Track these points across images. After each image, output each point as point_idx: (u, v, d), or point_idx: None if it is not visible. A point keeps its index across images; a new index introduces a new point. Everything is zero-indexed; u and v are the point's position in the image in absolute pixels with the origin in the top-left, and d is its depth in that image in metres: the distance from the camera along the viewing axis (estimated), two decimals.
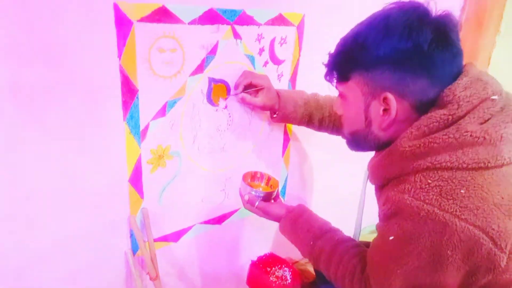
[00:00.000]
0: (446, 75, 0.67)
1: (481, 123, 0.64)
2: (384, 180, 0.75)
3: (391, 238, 0.68)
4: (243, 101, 1.05)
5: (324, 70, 0.78)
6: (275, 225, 1.41)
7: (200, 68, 0.96)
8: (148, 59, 0.86)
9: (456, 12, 1.78)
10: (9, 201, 0.78)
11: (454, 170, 0.63)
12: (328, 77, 0.78)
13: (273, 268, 1.29)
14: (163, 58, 0.88)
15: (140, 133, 0.91)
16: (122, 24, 0.80)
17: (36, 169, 0.79)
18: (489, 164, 0.62)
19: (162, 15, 0.85)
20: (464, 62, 0.71)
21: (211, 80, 1.00)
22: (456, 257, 0.61)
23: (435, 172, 0.64)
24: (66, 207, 0.86)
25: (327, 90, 1.10)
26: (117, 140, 0.88)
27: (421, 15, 0.65)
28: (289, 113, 1.06)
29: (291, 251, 1.46)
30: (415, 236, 0.64)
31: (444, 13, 0.67)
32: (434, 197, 0.62)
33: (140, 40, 0.83)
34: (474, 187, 0.61)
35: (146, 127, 0.92)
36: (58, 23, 0.73)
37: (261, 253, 1.39)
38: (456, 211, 0.60)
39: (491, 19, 1.85)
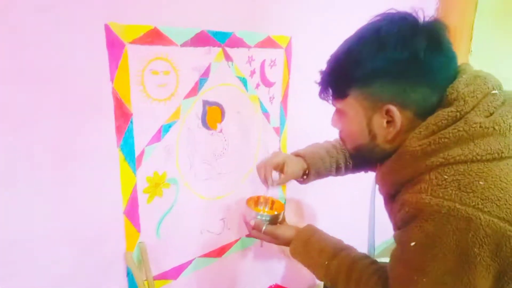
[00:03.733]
0: (445, 79, 0.67)
1: (487, 116, 0.63)
2: (397, 186, 0.72)
3: (412, 244, 0.64)
4: (277, 186, 0.97)
5: (317, 89, 0.76)
6: (276, 255, 1.36)
7: (194, 91, 0.94)
8: (141, 82, 0.83)
9: None
10: None
11: (468, 163, 0.61)
12: (322, 95, 0.76)
13: None
14: (157, 81, 0.86)
15: (135, 160, 0.86)
16: (114, 46, 0.77)
17: (20, 204, 0.72)
18: (502, 155, 0.61)
19: (154, 37, 0.83)
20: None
21: (205, 103, 0.98)
22: (484, 255, 0.58)
23: (450, 167, 0.62)
24: (55, 247, 0.78)
25: (320, 112, 1.10)
26: (111, 168, 0.83)
27: (411, 24, 0.66)
28: (319, 167, 1.00)
29: (295, 283, 1.39)
30: (438, 237, 0.60)
31: (432, 19, 0.67)
32: (453, 192, 0.60)
33: (133, 62, 0.81)
34: (492, 177, 0.59)
35: (141, 153, 0.87)
36: (47, 46, 0.69)
37: (265, 286, 1.31)
38: (478, 204, 0.58)
39: (462, 40, 1.94)
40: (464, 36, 1.93)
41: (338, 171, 1.03)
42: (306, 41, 1.20)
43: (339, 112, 0.77)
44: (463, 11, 1.89)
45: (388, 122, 0.69)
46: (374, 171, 0.93)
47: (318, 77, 0.76)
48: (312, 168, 0.98)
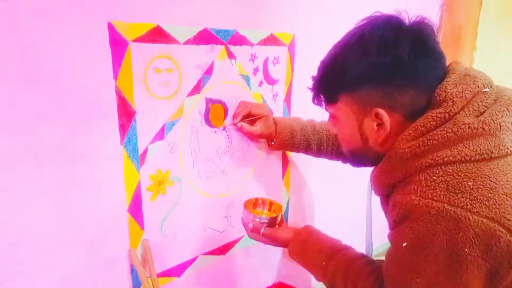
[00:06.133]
0: (432, 80, 0.67)
1: (477, 116, 0.63)
2: (389, 187, 0.72)
3: (404, 245, 0.65)
4: (241, 131, 1.03)
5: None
6: (280, 253, 1.36)
7: (197, 89, 0.94)
8: (144, 80, 0.83)
9: None
10: None
11: (457, 164, 0.61)
12: (315, 101, 0.78)
13: None
14: (160, 79, 0.86)
15: (138, 158, 0.86)
16: (117, 44, 0.78)
17: (24, 204, 0.73)
18: (492, 155, 0.60)
19: (157, 35, 0.83)
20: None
21: (208, 101, 0.98)
22: (475, 255, 0.58)
23: (439, 168, 0.62)
24: (59, 246, 0.79)
25: (322, 111, 1.10)
26: (115, 166, 0.83)
27: (394, 27, 0.65)
28: (286, 140, 1.04)
29: (298, 281, 1.39)
30: (429, 237, 0.60)
31: (418, 19, 0.67)
32: (442, 193, 0.60)
33: (136, 60, 0.81)
34: (481, 178, 0.59)
35: (145, 151, 0.88)
36: (50, 44, 0.70)
37: (269, 283, 1.31)
38: (466, 204, 0.58)
39: (467, 37, 1.93)
40: (469, 33, 1.92)
41: (308, 150, 1.08)
42: (309, 38, 1.20)
43: (332, 117, 0.79)
44: (468, 7, 1.88)
45: (378, 125, 0.70)
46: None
47: (310, 83, 0.77)
48: (278, 138, 1.04)
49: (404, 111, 0.68)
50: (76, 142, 0.77)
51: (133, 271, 0.92)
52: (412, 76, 0.65)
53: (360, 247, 0.90)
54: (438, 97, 0.65)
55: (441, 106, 0.64)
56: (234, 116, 1.02)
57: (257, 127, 1.01)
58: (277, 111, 1.18)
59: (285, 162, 1.27)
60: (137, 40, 0.80)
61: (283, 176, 1.28)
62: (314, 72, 0.76)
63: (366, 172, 0.81)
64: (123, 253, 0.90)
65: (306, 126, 1.06)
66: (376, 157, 0.75)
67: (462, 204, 0.58)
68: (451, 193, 0.59)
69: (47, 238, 0.77)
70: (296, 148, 1.07)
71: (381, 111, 0.67)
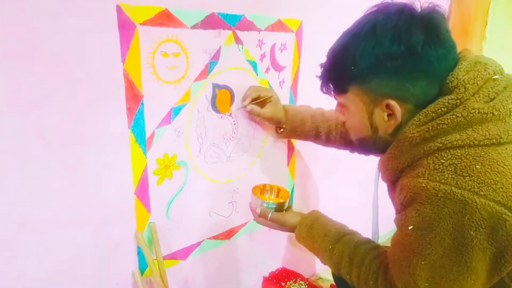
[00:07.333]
0: (443, 71, 0.66)
1: (487, 102, 0.63)
2: (397, 172, 0.72)
3: (410, 228, 0.65)
4: (251, 113, 1.03)
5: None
6: (284, 239, 1.38)
7: (204, 74, 0.94)
8: (152, 64, 0.84)
9: None
10: (4, 225, 0.72)
11: (466, 147, 0.61)
12: (324, 89, 0.77)
13: (288, 283, 1.23)
14: (167, 63, 0.86)
15: (145, 141, 0.87)
16: (125, 27, 0.78)
17: (33, 184, 0.74)
18: (501, 140, 0.61)
19: (165, 19, 0.83)
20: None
21: (215, 86, 0.98)
22: (480, 238, 0.58)
23: (447, 151, 0.62)
24: (67, 227, 0.80)
25: (330, 99, 1.10)
26: (122, 149, 0.84)
27: (408, 17, 0.65)
28: (296, 126, 1.04)
29: (302, 266, 1.40)
30: (435, 220, 0.61)
31: (430, 7, 0.66)
32: (450, 175, 0.60)
33: (144, 44, 0.81)
34: (490, 161, 0.59)
35: (152, 135, 0.88)
36: (59, 26, 0.70)
37: (272, 269, 1.33)
38: (474, 187, 0.58)
39: (476, 26, 1.90)
40: (479, 22, 1.89)
41: (317, 138, 1.07)
42: (317, 25, 1.19)
43: (341, 106, 0.78)
44: None
45: (388, 115, 0.70)
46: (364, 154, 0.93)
47: (318, 71, 0.76)
48: (288, 124, 1.04)
49: (415, 101, 0.67)
50: (84, 125, 0.77)
51: (139, 253, 0.93)
52: (425, 66, 0.65)
53: (365, 235, 0.91)
54: (450, 84, 0.65)
55: (453, 92, 0.64)
56: (243, 99, 1.01)
57: (267, 110, 1.01)
58: (284, 98, 1.18)
59: (291, 149, 1.28)
60: (145, 23, 0.80)
61: (288, 163, 1.28)
62: (323, 59, 0.75)
63: (372, 160, 0.81)
64: (130, 235, 0.91)
65: (316, 113, 1.06)
66: (385, 145, 0.74)
67: (470, 187, 0.58)
68: (459, 176, 0.59)
69: (54, 219, 0.78)
70: (305, 136, 1.07)
71: (392, 102, 0.67)
